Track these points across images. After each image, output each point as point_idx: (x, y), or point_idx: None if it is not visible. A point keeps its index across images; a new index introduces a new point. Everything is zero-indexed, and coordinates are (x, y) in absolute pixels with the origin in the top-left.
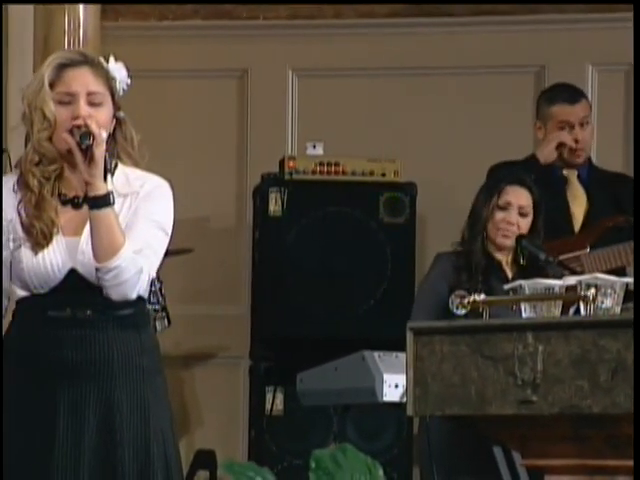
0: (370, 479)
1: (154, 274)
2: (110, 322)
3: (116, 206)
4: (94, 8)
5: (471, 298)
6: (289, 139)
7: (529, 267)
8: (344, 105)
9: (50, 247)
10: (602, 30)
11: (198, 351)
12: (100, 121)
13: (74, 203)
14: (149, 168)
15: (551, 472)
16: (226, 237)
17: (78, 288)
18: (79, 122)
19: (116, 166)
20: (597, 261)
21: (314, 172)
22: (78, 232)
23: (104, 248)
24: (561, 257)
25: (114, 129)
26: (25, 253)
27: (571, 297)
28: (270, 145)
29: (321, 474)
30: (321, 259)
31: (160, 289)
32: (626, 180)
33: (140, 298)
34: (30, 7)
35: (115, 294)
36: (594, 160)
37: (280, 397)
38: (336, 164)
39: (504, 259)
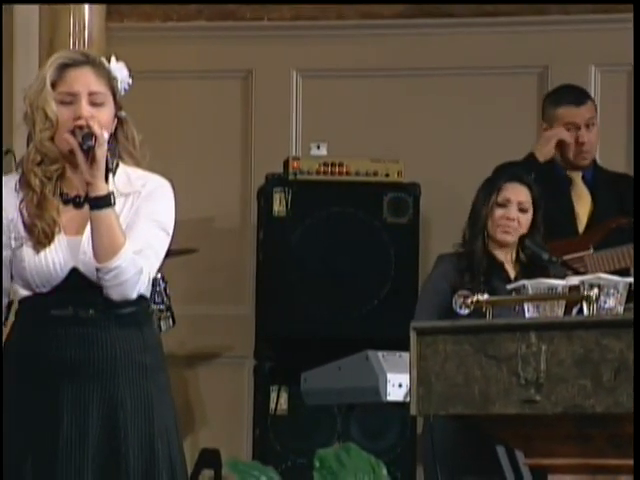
0: (374, 478)
1: (155, 274)
2: (112, 321)
3: (117, 205)
4: (99, 9)
5: (474, 298)
6: (293, 139)
7: (531, 266)
8: (348, 106)
9: (52, 246)
10: (605, 31)
11: (202, 351)
12: (102, 121)
13: (76, 202)
14: (154, 168)
15: (554, 471)
16: (230, 237)
17: (80, 287)
18: (81, 122)
19: (117, 166)
20: (600, 262)
21: (318, 172)
22: (80, 231)
23: (104, 248)
24: (565, 257)
25: (115, 129)
26: (27, 252)
27: (574, 297)
28: (274, 145)
29: (325, 473)
30: (325, 259)
31: (165, 289)
32: (630, 181)
33: (142, 296)
34: (35, 9)
35: (115, 294)
36: (597, 161)
37: (284, 396)
38: (340, 164)
39: (506, 259)
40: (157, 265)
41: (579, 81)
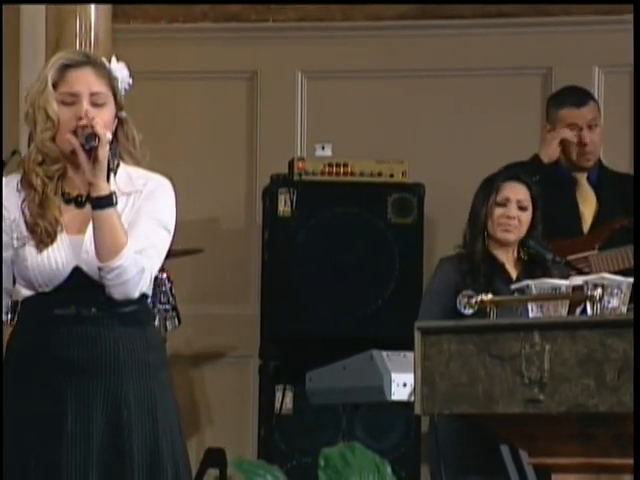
0: (378, 477)
1: (156, 272)
2: (115, 319)
3: (119, 205)
4: (105, 11)
5: (478, 298)
6: (298, 140)
7: (532, 266)
8: (352, 107)
9: (54, 245)
10: (608, 32)
11: (208, 350)
12: (103, 121)
13: (77, 202)
14: (160, 169)
15: (558, 470)
16: (236, 237)
17: (83, 286)
18: (84, 123)
19: (118, 165)
20: (605, 262)
21: (323, 173)
22: (82, 230)
23: (107, 248)
24: (569, 258)
25: (116, 129)
26: (29, 251)
27: (578, 297)
28: (279, 146)
29: (330, 472)
30: (330, 259)
31: (170, 289)
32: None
33: (144, 295)
34: (42, 9)
35: (117, 293)
36: (603, 161)
37: (289, 396)
38: (345, 165)
39: (507, 259)
40: (159, 264)
41: (582, 82)
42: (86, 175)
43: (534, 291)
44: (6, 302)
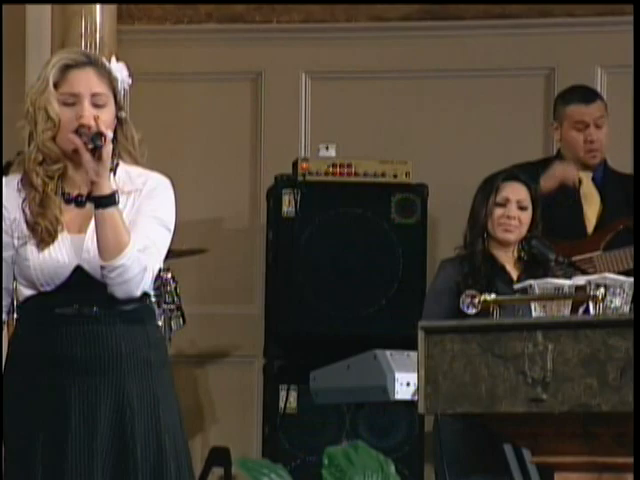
0: (382, 476)
1: (157, 271)
2: (116, 317)
3: (120, 204)
4: (111, 12)
5: (482, 297)
6: (302, 141)
7: (533, 265)
8: (356, 107)
9: (56, 244)
10: (611, 33)
11: (213, 350)
12: (104, 122)
13: (77, 201)
14: (164, 169)
15: (561, 469)
16: (240, 237)
17: (84, 285)
18: (89, 122)
19: (117, 165)
20: (609, 263)
21: (327, 173)
22: (82, 230)
23: (110, 247)
24: (574, 259)
25: (115, 129)
26: (31, 250)
27: (580, 297)
28: (283, 147)
29: (334, 471)
30: (334, 259)
31: (175, 289)
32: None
33: (145, 293)
34: (48, 12)
35: (120, 292)
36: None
37: (293, 395)
38: (348, 165)
39: (507, 260)
40: (160, 262)
41: (585, 82)
42: (89, 174)
43: (537, 291)
44: (6, 302)
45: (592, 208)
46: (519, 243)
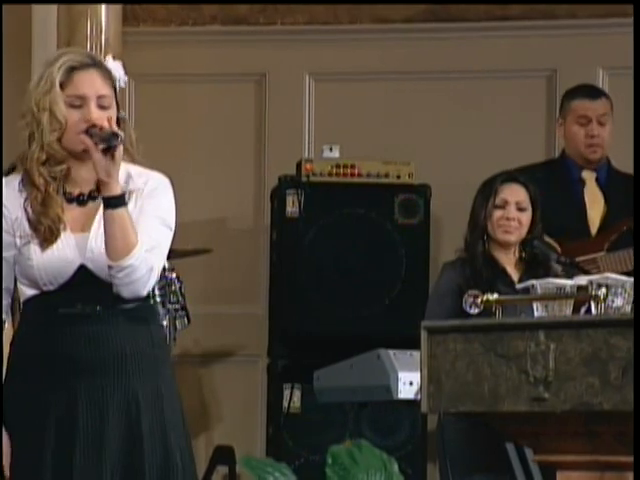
0: (385, 474)
1: (161, 270)
2: (120, 317)
3: None
4: (116, 14)
5: (484, 297)
6: (306, 142)
7: (534, 266)
8: (360, 108)
9: (59, 243)
10: (613, 34)
11: (217, 349)
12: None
13: (79, 200)
14: (168, 170)
15: (563, 468)
16: (244, 238)
17: (87, 284)
18: (103, 123)
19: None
20: (613, 263)
21: (330, 174)
22: (86, 229)
23: (118, 247)
24: (578, 259)
25: None
26: (34, 249)
27: (582, 296)
28: (287, 148)
29: (337, 469)
30: (337, 259)
31: (180, 288)
32: None
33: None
34: (54, 13)
35: (127, 292)
36: (612, 162)
37: (297, 394)
38: (352, 166)
39: (508, 262)
40: (163, 262)
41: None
42: (100, 175)
43: (539, 291)
44: (6, 302)
45: (595, 209)
46: (520, 244)
